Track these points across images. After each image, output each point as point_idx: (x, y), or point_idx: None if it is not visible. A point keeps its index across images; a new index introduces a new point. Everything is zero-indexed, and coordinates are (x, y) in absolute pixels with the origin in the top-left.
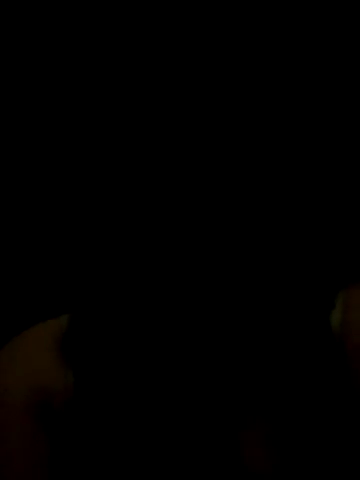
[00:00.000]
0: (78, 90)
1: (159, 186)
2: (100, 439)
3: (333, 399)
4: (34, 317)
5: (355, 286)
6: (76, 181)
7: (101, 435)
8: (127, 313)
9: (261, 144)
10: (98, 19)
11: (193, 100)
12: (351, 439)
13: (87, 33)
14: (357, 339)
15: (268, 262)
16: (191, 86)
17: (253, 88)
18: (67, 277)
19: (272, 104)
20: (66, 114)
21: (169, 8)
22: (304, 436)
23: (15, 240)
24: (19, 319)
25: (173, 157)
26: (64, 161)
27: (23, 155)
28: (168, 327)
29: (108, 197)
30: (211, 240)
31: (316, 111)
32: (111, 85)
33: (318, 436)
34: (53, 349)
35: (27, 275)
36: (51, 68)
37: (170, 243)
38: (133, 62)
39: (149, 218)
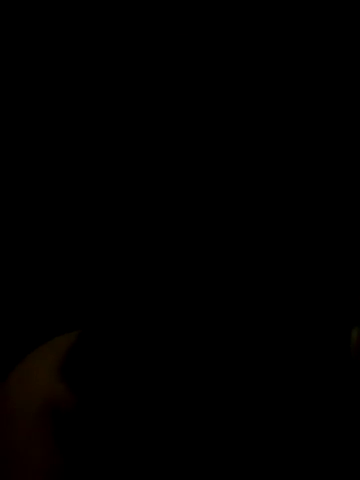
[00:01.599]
0: (78, 90)
1: (169, 209)
2: (102, 454)
3: (345, 413)
4: (49, 332)
5: None
6: (90, 201)
7: (103, 451)
8: (133, 336)
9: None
10: (98, 19)
11: (193, 100)
12: None
13: (87, 33)
14: None
15: (290, 279)
16: (191, 86)
17: (253, 88)
18: (81, 293)
19: (272, 105)
20: (66, 114)
21: (169, 8)
22: (314, 448)
23: (29, 256)
24: (33, 333)
25: (192, 171)
26: (71, 175)
27: (33, 162)
28: (178, 349)
29: (124, 218)
30: (226, 261)
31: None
32: (111, 85)
33: (329, 449)
34: (59, 366)
35: (43, 291)
36: (51, 68)
37: (186, 267)
38: (133, 62)
39: (164, 239)
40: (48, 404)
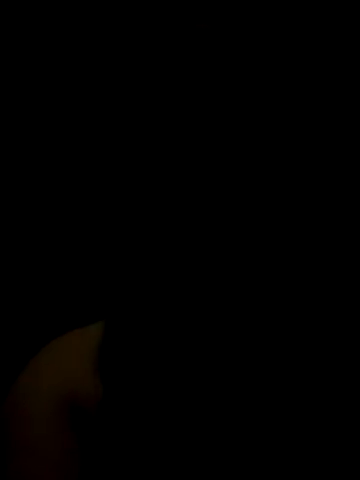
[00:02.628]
0: (78, 90)
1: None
2: (126, 447)
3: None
4: (73, 322)
5: None
6: (92, 197)
7: (126, 444)
8: (162, 327)
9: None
10: (98, 19)
11: (193, 100)
12: None
13: (87, 33)
14: None
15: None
16: (191, 86)
17: (253, 88)
18: (106, 283)
19: (272, 104)
20: (66, 114)
21: (169, 8)
22: (317, 447)
23: (53, 246)
24: (56, 324)
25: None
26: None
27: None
28: (207, 342)
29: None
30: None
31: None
32: (111, 85)
33: (331, 448)
34: (87, 356)
35: (66, 281)
36: (51, 68)
37: (213, 253)
38: (133, 62)
39: (191, 226)
40: (75, 392)
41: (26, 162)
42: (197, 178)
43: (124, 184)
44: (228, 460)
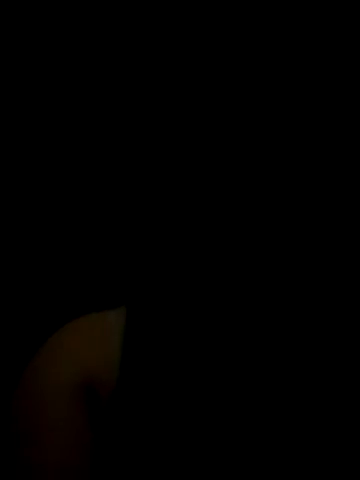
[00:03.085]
0: (78, 90)
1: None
2: (137, 437)
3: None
4: (89, 306)
5: None
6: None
7: (138, 434)
8: (186, 312)
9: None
10: (98, 19)
11: (193, 100)
12: None
13: (87, 33)
14: None
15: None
16: (191, 86)
17: (253, 87)
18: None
19: (272, 104)
20: (66, 114)
21: (169, 8)
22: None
23: (73, 232)
24: (74, 307)
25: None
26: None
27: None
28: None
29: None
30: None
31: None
32: (111, 85)
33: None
34: (105, 343)
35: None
36: (51, 67)
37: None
38: (133, 62)
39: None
40: (91, 376)
41: (27, 160)
42: (198, 176)
43: (127, 183)
44: (231, 462)
